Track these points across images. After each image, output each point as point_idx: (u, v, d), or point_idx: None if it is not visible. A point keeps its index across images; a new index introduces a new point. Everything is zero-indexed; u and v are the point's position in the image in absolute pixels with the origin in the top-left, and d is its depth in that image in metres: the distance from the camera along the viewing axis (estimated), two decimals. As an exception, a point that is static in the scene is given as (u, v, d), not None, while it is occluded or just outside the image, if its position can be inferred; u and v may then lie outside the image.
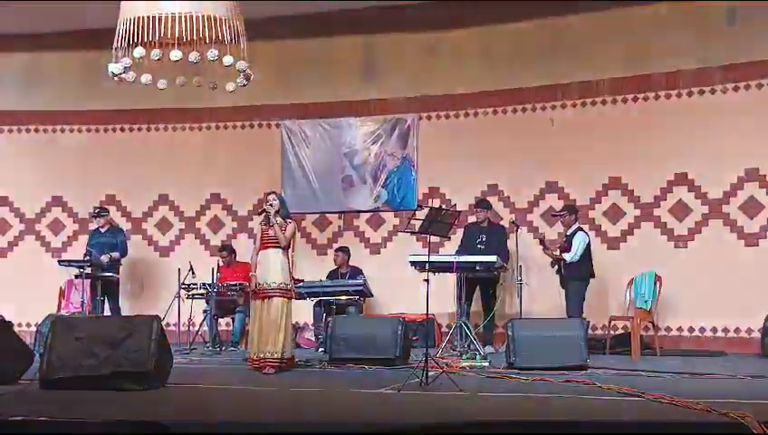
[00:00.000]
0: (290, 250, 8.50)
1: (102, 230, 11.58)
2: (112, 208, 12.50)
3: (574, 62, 11.30)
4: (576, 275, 9.91)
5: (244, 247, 11.53)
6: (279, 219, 8.43)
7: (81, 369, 6.69)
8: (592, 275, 10.10)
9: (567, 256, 9.89)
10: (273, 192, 8.85)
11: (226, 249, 11.53)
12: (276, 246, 8.38)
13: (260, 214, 8.62)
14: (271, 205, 8.46)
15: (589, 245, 10.08)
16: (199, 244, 12.63)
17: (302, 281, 10.43)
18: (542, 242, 10.21)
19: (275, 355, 8.18)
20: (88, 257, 11.05)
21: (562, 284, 10.05)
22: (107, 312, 11.15)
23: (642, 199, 11.01)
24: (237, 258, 11.42)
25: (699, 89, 10.76)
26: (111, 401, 6.09)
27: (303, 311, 10.98)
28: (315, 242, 12.35)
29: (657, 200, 10.93)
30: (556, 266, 10.12)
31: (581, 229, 10.21)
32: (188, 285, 10.72)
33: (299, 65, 12.33)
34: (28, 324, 11.65)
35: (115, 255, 11.37)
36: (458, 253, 10.23)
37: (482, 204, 10.85)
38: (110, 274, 11.25)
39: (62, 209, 12.86)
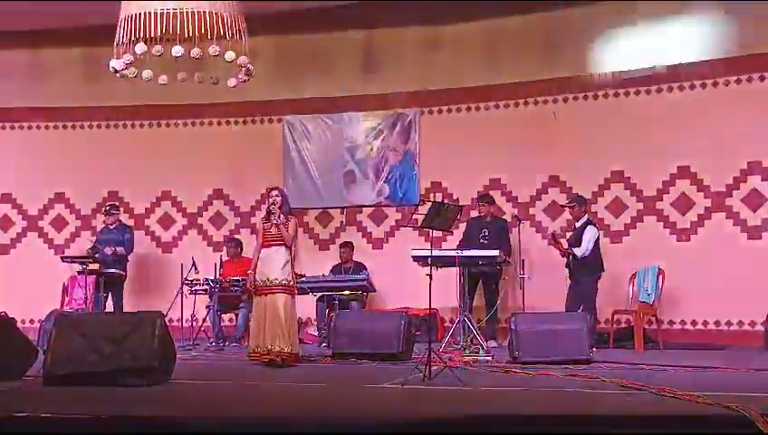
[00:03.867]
0: (292, 246, 8.50)
1: (111, 227, 11.63)
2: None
3: (576, 55, 11.29)
4: (587, 270, 9.83)
5: (245, 243, 11.55)
6: (281, 216, 8.41)
7: (85, 365, 6.70)
8: (602, 269, 10.04)
9: (577, 252, 9.79)
10: (276, 188, 8.82)
11: (234, 241, 11.56)
12: (278, 243, 8.38)
13: (268, 214, 8.51)
14: (274, 202, 8.44)
15: (598, 238, 10.02)
16: (202, 239, 12.64)
17: (304, 276, 10.44)
18: (553, 237, 10.15)
19: (285, 350, 8.16)
20: (93, 250, 11.12)
21: (571, 277, 9.99)
22: (109, 308, 11.16)
23: (644, 193, 11.00)
24: (243, 253, 11.43)
25: (701, 82, 10.75)
26: (115, 397, 6.10)
27: (306, 306, 10.98)
28: (318, 237, 12.35)
29: (659, 194, 10.92)
30: (565, 259, 10.03)
31: (591, 223, 10.12)
32: (191, 280, 10.72)
33: (300, 60, 12.33)
34: (31, 321, 11.66)
35: (120, 249, 11.41)
36: (461, 247, 10.22)
37: (485, 198, 10.85)
38: (113, 270, 11.27)
39: (64, 206, 12.87)
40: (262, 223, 8.58)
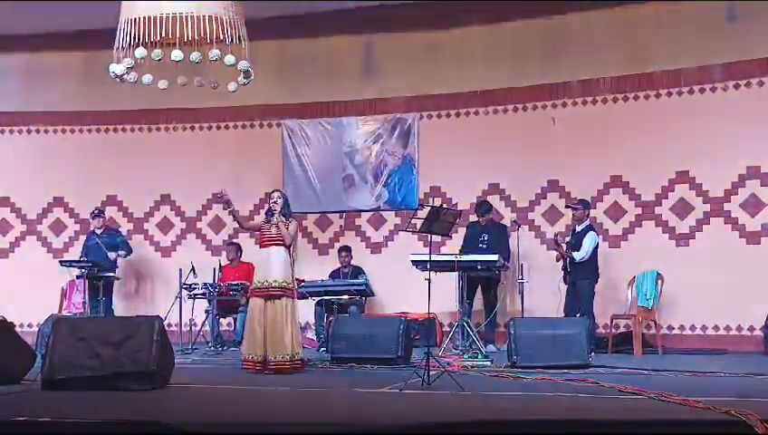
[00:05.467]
0: (291, 249, 8.37)
1: (99, 231, 11.66)
2: (113, 209, 12.58)
3: (575, 60, 11.30)
4: (585, 275, 9.84)
5: (245, 247, 11.56)
6: (282, 218, 8.30)
7: (83, 369, 6.69)
8: (598, 275, 10.04)
9: (577, 256, 9.78)
10: (277, 190, 8.74)
11: (233, 245, 11.59)
12: (278, 244, 8.24)
13: (268, 215, 8.38)
14: (275, 202, 8.34)
15: (597, 244, 10.01)
16: (201, 244, 12.64)
17: (303, 281, 10.44)
18: (555, 239, 10.14)
19: (286, 357, 8.00)
20: (85, 259, 11.16)
21: (566, 281, 9.99)
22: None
23: (643, 198, 11.01)
24: (242, 257, 11.44)
25: (700, 87, 10.76)
26: (113, 401, 6.09)
27: (305, 310, 10.96)
28: (316, 242, 12.35)
29: (658, 199, 10.93)
30: (561, 263, 10.03)
31: (593, 229, 10.13)
32: (190, 285, 10.72)
33: (300, 65, 12.34)
34: (30, 325, 11.64)
35: (122, 253, 11.46)
36: (460, 252, 10.22)
37: (483, 207, 10.78)
38: (111, 274, 11.30)
39: (63, 210, 12.87)
40: (261, 223, 8.49)
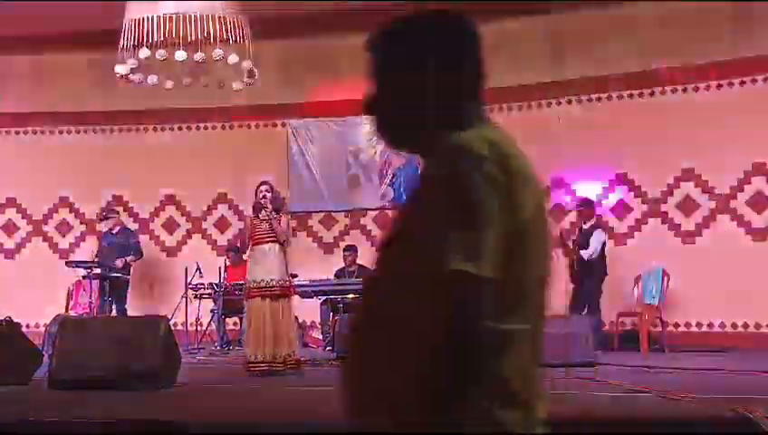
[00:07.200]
0: (285, 244, 7.97)
1: (114, 232, 11.60)
2: (119, 209, 12.54)
3: (580, 58, 11.27)
4: (592, 273, 9.83)
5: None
6: (272, 212, 7.84)
7: (90, 369, 6.71)
8: (606, 272, 10.03)
9: (585, 254, 9.78)
10: (266, 182, 8.22)
11: (233, 250, 11.56)
12: (270, 240, 7.81)
13: (261, 209, 7.90)
14: (264, 197, 7.90)
15: (605, 242, 10.01)
16: (206, 244, 12.64)
17: (296, 276, 10.37)
18: (560, 236, 10.13)
19: (286, 357, 7.76)
20: (97, 260, 11.09)
21: (573, 280, 9.97)
22: (114, 313, 11.15)
23: (649, 195, 10.99)
24: (244, 258, 11.44)
25: (705, 84, 10.73)
26: (120, 401, 6.10)
27: (310, 310, 10.98)
28: (321, 241, 12.35)
29: (664, 196, 10.91)
30: (567, 260, 10.00)
31: (600, 226, 10.11)
32: (196, 284, 10.74)
33: (304, 64, 12.34)
34: (36, 325, 11.65)
35: (130, 258, 11.35)
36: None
37: None
38: (119, 274, 11.28)
39: (69, 210, 12.88)
40: (250, 220, 8.04)
